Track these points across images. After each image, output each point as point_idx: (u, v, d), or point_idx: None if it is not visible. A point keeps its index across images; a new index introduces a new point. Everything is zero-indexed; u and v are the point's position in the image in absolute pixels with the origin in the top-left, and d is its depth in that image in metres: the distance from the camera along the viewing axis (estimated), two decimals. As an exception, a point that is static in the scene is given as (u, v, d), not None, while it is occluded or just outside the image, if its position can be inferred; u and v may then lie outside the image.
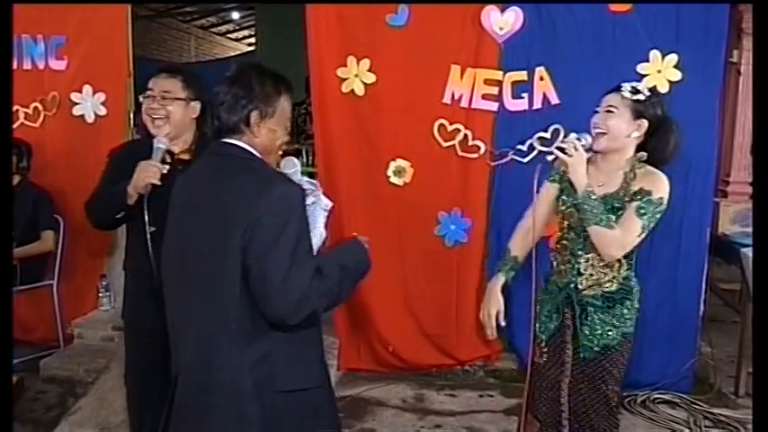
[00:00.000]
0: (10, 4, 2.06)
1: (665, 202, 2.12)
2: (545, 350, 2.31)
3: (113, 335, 3.75)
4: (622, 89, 2.14)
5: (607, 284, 2.19)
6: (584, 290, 2.20)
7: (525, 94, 3.38)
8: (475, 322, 3.65)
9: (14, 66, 3.73)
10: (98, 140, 3.64)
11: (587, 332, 2.20)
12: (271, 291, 1.50)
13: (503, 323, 2.26)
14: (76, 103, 3.80)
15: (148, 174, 2.11)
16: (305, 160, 5.06)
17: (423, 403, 3.41)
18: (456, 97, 3.42)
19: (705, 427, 3.16)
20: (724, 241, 3.51)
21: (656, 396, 3.36)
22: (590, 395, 2.22)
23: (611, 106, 2.14)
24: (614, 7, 3.27)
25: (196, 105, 2.30)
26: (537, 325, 2.34)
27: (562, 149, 2.09)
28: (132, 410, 2.42)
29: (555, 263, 2.31)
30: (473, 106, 3.42)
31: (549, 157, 2.20)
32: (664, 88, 3.24)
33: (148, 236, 2.12)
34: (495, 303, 2.27)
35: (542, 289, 2.37)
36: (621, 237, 2.07)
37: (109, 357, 3.52)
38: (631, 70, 3.25)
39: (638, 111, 2.12)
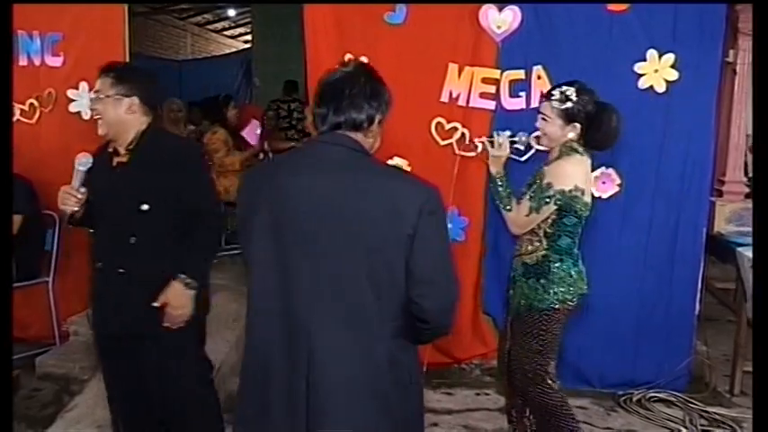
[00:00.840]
0: (10, 3, 2.05)
1: (556, 187, 2.35)
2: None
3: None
4: (552, 98, 2.41)
5: (526, 257, 2.49)
6: (515, 257, 2.56)
7: (523, 93, 3.38)
8: (472, 321, 3.67)
9: (10, 62, 3.70)
10: (94, 137, 3.60)
11: (511, 294, 2.57)
12: (440, 285, 1.57)
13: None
14: (72, 100, 3.78)
15: (66, 203, 2.19)
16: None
17: (419, 401, 3.41)
18: (454, 96, 3.42)
19: (700, 425, 3.17)
20: (719, 240, 3.53)
21: (652, 395, 3.38)
22: (516, 349, 2.53)
23: (543, 114, 2.44)
24: (612, 7, 3.27)
25: (130, 101, 2.26)
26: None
27: (491, 142, 2.62)
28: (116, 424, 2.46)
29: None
30: (471, 105, 3.42)
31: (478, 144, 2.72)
32: (661, 88, 3.26)
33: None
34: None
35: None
36: (514, 216, 2.53)
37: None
38: (628, 69, 3.27)
39: (569, 116, 2.40)
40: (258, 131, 5.22)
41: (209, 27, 12.78)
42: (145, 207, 2.21)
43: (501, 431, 3.02)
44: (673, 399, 3.37)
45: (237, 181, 5.08)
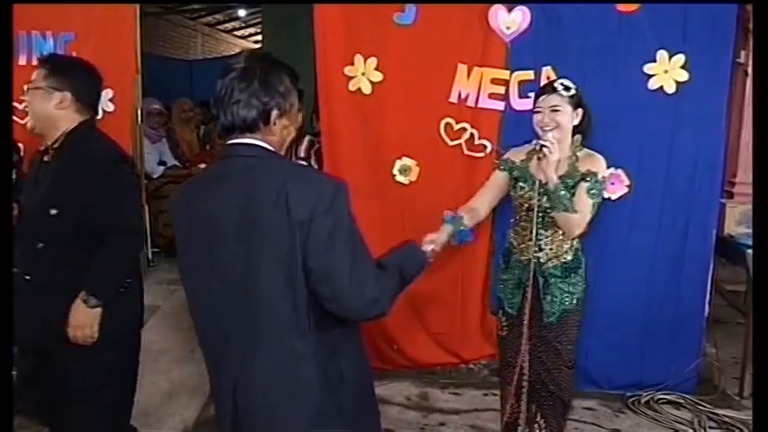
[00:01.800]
0: (10, 3, 2.05)
1: (599, 177, 2.46)
2: (506, 324, 2.67)
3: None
4: (558, 89, 2.48)
5: (564, 256, 2.53)
6: (546, 263, 2.53)
7: (532, 94, 3.36)
8: (479, 321, 3.67)
9: (24, 62, 3.75)
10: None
11: (549, 300, 2.53)
12: (342, 289, 1.45)
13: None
14: (84, 99, 3.81)
15: None
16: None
17: (427, 401, 3.42)
18: (463, 96, 3.42)
19: (709, 428, 3.16)
20: (729, 242, 3.51)
21: (660, 396, 3.36)
22: (548, 356, 2.57)
23: (555, 105, 2.47)
24: (621, 7, 3.26)
25: (62, 96, 2.11)
26: (503, 301, 2.68)
27: (546, 147, 2.39)
28: None
29: (515, 243, 2.63)
30: (480, 105, 3.42)
31: (535, 146, 2.48)
32: (671, 89, 3.24)
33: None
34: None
35: (502, 269, 2.71)
36: (580, 218, 2.43)
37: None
38: (638, 70, 3.25)
39: (576, 103, 2.49)
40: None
41: (220, 27, 12.85)
42: (53, 211, 2.06)
43: (508, 432, 3.02)
44: (681, 401, 3.35)
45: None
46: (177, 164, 5.47)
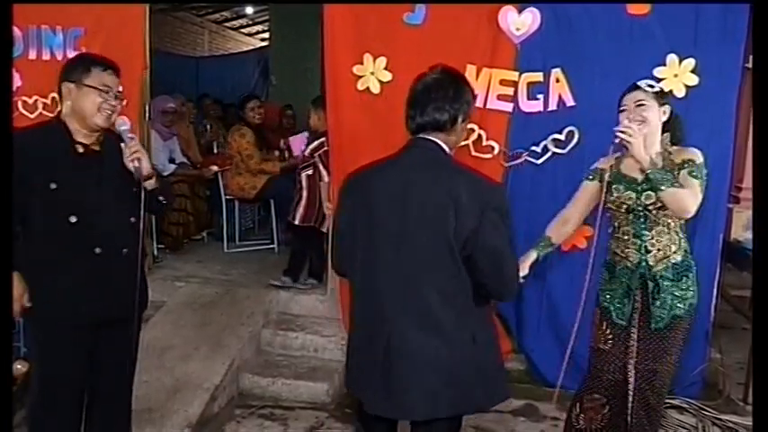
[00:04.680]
0: (10, 3, 2.07)
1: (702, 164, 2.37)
2: (610, 336, 2.53)
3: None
4: (642, 85, 2.41)
5: (674, 256, 2.42)
6: (655, 265, 2.43)
7: (541, 96, 3.38)
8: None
9: (34, 56, 3.78)
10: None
11: (659, 305, 2.42)
12: (506, 274, 1.86)
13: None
14: (92, 95, 3.82)
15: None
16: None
17: (430, 402, 3.40)
18: (471, 97, 3.42)
19: (713, 433, 3.16)
20: (736, 247, 3.50)
21: (665, 401, 3.35)
22: (655, 364, 2.46)
23: (640, 101, 2.39)
24: (632, 10, 3.25)
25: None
26: (610, 311, 2.52)
27: (622, 132, 2.31)
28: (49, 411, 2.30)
29: (618, 251, 2.51)
30: (488, 106, 3.42)
31: (616, 140, 2.34)
32: (680, 92, 3.23)
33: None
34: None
35: (605, 279, 2.56)
36: (691, 192, 2.30)
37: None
38: (648, 74, 3.22)
39: (662, 98, 2.43)
40: (305, 143, 4.61)
41: (227, 24, 12.84)
42: (135, 189, 2.28)
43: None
44: (686, 405, 3.33)
45: (253, 181, 5.12)
46: (186, 161, 5.48)
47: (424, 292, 1.83)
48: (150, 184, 2.27)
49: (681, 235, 2.45)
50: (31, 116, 3.78)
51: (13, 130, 2.08)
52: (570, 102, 3.35)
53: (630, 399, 2.51)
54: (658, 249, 2.42)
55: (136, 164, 2.20)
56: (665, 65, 3.23)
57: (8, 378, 1.86)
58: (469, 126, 3.41)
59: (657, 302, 2.42)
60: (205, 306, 4.04)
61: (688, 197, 2.29)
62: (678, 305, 2.42)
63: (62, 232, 2.17)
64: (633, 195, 2.41)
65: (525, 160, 3.44)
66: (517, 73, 3.38)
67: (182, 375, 3.34)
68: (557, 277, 3.42)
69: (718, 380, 3.56)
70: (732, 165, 3.43)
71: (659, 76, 3.22)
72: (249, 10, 11.38)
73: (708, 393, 3.46)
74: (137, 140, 2.27)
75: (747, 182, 3.61)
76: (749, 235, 3.53)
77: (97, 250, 2.22)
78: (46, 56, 3.85)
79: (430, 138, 1.89)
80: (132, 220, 2.29)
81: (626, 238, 2.48)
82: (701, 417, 3.27)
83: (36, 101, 3.83)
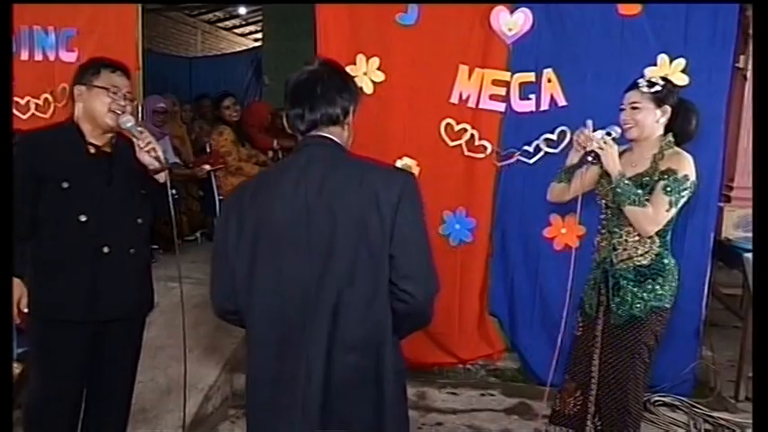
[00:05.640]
0: (10, 3, 2.07)
1: (691, 178, 2.37)
2: (581, 325, 2.62)
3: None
4: (640, 85, 2.41)
5: (639, 259, 2.44)
6: (617, 263, 2.47)
7: (533, 96, 3.39)
8: (477, 321, 3.68)
9: (26, 57, 3.76)
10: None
11: (618, 302, 2.46)
12: (418, 276, 1.65)
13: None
14: (85, 95, 3.82)
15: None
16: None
17: (424, 401, 3.42)
18: (464, 97, 3.43)
19: (705, 430, 3.18)
20: (727, 246, 3.52)
21: (657, 399, 3.37)
22: (618, 362, 2.50)
23: (634, 102, 2.41)
24: (623, 11, 3.28)
25: None
26: (584, 301, 2.62)
27: (591, 151, 2.39)
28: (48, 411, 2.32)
29: (597, 242, 2.59)
30: (480, 106, 3.43)
31: (589, 152, 2.42)
32: (671, 92, 3.25)
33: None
34: None
35: (591, 269, 2.63)
36: (653, 213, 2.33)
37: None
38: (639, 74, 3.23)
39: (659, 100, 2.40)
40: None
41: (220, 25, 12.81)
42: (143, 191, 2.36)
43: (505, 432, 3.03)
44: (677, 403, 3.36)
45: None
46: (178, 161, 5.46)
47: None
48: (161, 177, 2.28)
49: (656, 240, 2.43)
50: (24, 117, 3.77)
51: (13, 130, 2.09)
52: (562, 102, 3.37)
53: (594, 388, 2.58)
54: (624, 249, 2.47)
55: (153, 154, 2.20)
56: (655, 65, 3.25)
57: (8, 378, 1.86)
58: (462, 126, 3.47)
59: (617, 299, 2.47)
60: (199, 306, 4.03)
61: (644, 220, 2.34)
62: (637, 305, 2.44)
63: (72, 231, 2.20)
64: (611, 193, 2.44)
65: (517, 160, 3.45)
66: (509, 73, 3.39)
67: (176, 375, 3.34)
68: (549, 276, 3.44)
69: (709, 377, 3.58)
70: (723, 163, 3.46)
71: (650, 76, 3.25)
72: (242, 10, 11.36)
73: (699, 391, 3.49)
74: (147, 132, 2.26)
75: (738, 181, 3.63)
76: (740, 233, 3.55)
77: (105, 249, 2.25)
78: (38, 56, 3.82)
79: (325, 134, 1.68)
80: (139, 221, 2.33)
81: (603, 231, 2.55)
82: (692, 414, 3.29)
83: (28, 101, 3.80)
